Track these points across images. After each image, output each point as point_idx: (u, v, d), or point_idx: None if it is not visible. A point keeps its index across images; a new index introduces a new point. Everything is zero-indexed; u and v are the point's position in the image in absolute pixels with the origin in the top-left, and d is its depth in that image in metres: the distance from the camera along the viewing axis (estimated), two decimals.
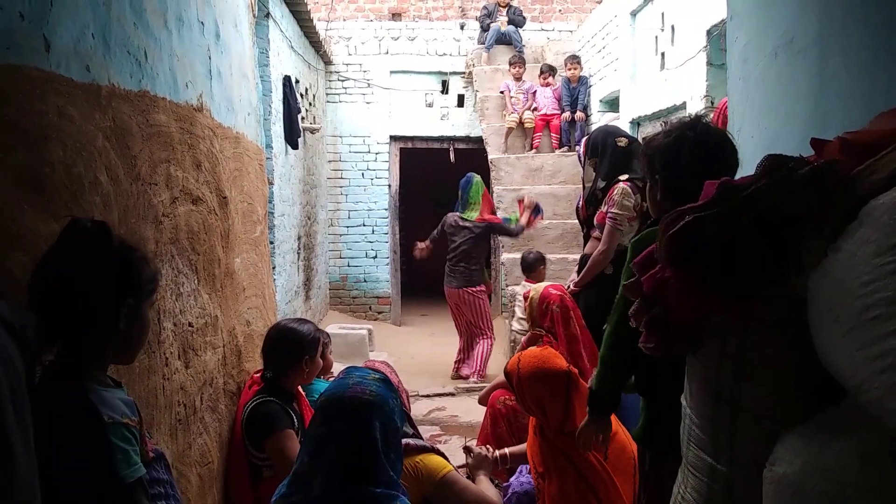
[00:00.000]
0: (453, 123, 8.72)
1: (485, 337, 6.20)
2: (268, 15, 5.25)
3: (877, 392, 0.94)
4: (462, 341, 6.36)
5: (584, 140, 4.35)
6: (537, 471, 2.65)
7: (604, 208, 3.79)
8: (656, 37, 5.44)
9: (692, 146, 1.67)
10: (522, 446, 2.91)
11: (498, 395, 3.46)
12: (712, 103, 4.34)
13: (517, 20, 8.05)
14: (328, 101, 8.53)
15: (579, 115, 7.09)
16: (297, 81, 6.48)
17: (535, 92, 7.38)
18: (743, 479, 1.34)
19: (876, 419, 0.98)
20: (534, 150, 7.30)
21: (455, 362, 6.33)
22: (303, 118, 6.55)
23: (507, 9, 8.10)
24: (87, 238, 1.37)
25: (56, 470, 1.22)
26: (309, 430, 1.73)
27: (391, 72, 8.59)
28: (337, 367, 3.61)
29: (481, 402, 3.73)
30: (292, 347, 2.85)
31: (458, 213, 6.18)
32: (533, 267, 5.50)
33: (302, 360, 2.85)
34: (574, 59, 7.17)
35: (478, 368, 6.13)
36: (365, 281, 8.73)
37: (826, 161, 1.20)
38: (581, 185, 4.24)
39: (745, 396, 1.33)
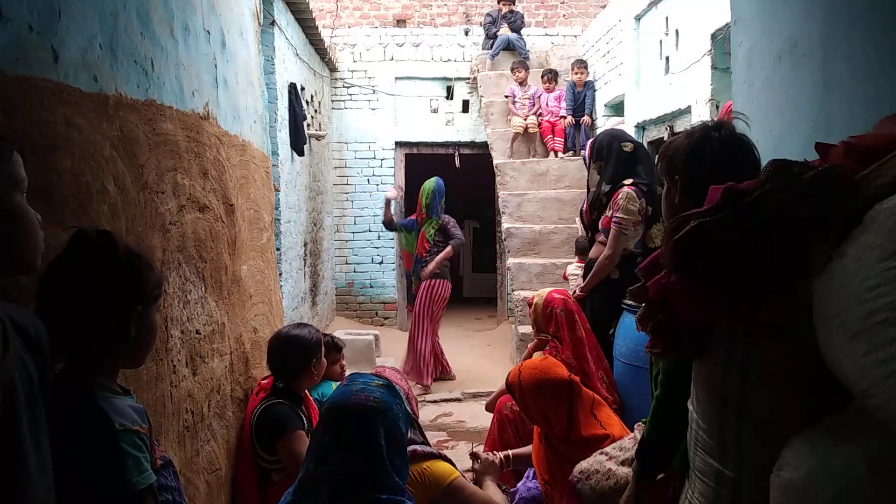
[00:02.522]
0: (458, 129, 8.74)
1: None
2: (273, 23, 5.27)
3: (883, 396, 0.94)
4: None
5: (588, 143, 4.34)
6: (544, 478, 2.65)
7: (609, 213, 3.78)
8: (661, 41, 5.44)
9: (716, 146, 1.64)
10: (527, 448, 2.91)
11: (505, 401, 3.46)
12: (717, 107, 4.33)
13: (517, 25, 8.07)
14: (333, 108, 8.55)
15: (586, 119, 7.08)
16: (303, 88, 6.51)
17: (540, 96, 7.39)
18: (750, 483, 1.34)
19: (883, 424, 0.98)
20: (552, 153, 7.27)
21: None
22: (308, 125, 6.58)
23: (508, 14, 8.12)
24: (92, 248, 1.38)
25: (67, 477, 1.22)
26: (313, 438, 1.73)
27: (396, 78, 8.61)
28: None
29: (488, 408, 3.73)
30: (298, 354, 2.86)
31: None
32: (587, 250, 5.65)
33: (310, 364, 2.88)
34: (581, 64, 7.17)
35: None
36: (371, 287, 8.73)
37: (830, 165, 1.20)
38: (585, 190, 4.23)
39: (751, 401, 1.33)
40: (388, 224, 6.62)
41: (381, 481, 1.62)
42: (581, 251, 5.68)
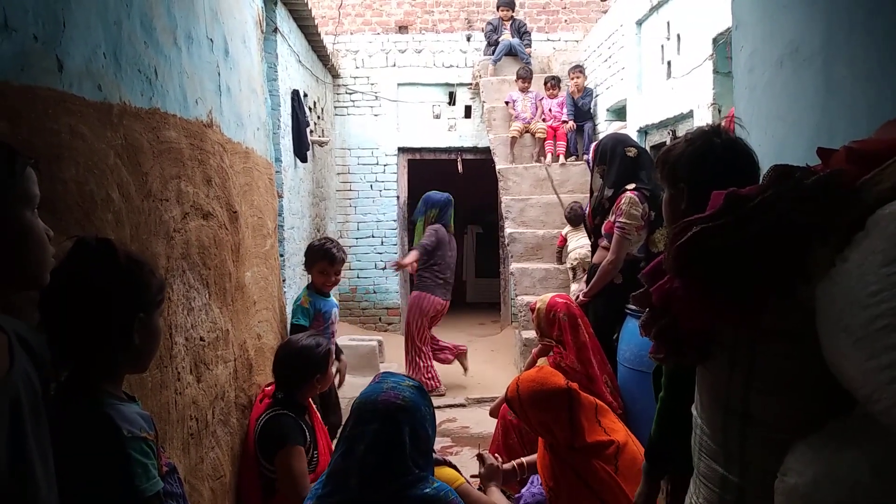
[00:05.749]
0: (461, 134, 8.75)
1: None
2: (276, 30, 5.29)
3: (886, 402, 0.94)
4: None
5: (593, 146, 4.35)
6: (548, 485, 2.64)
7: (611, 217, 3.78)
8: (662, 45, 5.45)
9: (720, 153, 1.65)
10: (535, 456, 2.90)
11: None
12: (719, 112, 4.34)
13: (521, 35, 8.08)
14: (336, 114, 8.57)
15: (589, 125, 7.07)
16: (306, 95, 6.52)
17: (542, 99, 7.40)
18: (754, 489, 1.34)
19: (887, 429, 0.98)
20: (549, 156, 7.24)
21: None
22: (311, 131, 6.59)
23: (510, 22, 8.13)
24: (93, 256, 1.38)
25: (76, 485, 1.23)
26: (342, 432, 1.81)
27: (398, 84, 8.63)
28: (347, 379, 3.64)
29: (492, 413, 3.73)
30: (303, 366, 2.87)
31: (444, 229, 6.10)
32: (578, 221, 6.08)
33: (314, 377, 2.88)
34: (577, 69, 7.16)
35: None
36: (374, 292, 8.74)
37: (832, 170, 1.20)
38: (588, 194, 4.23)
39: (754, 407, 1.33)
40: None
41: (405, 475, 1.69)
42: (573, 220, 6.14)
